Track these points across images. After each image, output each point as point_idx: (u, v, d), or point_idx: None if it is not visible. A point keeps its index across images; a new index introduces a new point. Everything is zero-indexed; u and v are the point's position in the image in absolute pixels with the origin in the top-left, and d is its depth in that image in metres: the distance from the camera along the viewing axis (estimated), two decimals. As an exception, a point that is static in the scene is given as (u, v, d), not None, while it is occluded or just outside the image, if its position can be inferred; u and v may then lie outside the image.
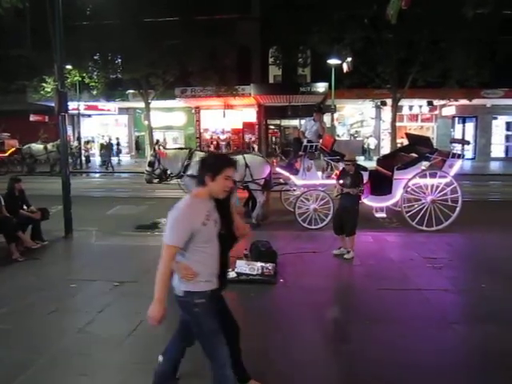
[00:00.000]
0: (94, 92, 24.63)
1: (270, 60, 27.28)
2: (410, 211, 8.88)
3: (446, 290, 5.56)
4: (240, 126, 30.02)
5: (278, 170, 10.54)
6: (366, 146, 28.44)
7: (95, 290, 5.63)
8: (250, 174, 9.28)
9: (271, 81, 29.12)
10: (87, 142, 28.56)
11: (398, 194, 8.95)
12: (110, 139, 27.00)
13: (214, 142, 29.42)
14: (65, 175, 8.92)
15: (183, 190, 9.62)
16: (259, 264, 5.98)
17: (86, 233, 8.83)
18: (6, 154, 23.40)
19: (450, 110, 27.23)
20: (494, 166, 25.66)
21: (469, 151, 26.95)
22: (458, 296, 5.42)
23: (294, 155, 10.07)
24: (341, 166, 8.35)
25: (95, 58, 23.86)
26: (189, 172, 9.07)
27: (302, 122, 12.13)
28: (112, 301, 5.21)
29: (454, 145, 11.89)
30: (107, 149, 25.39)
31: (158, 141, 24.48)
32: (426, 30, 18.38)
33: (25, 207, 7.82)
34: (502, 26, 18.58)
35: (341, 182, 7.03)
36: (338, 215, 7.20)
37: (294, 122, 29.04)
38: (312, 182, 9.47)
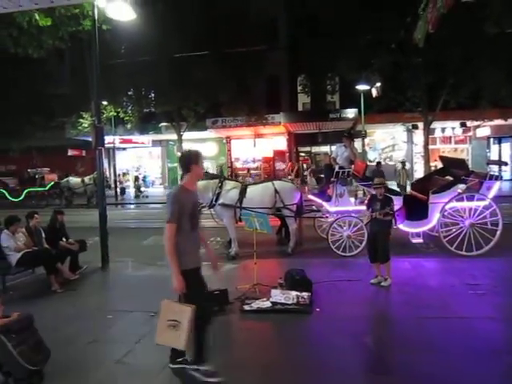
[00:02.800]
0: (129, 126, 25.43)
1: (299, 88, 27.53)
2: (447, 236, 8.63)
3: (491, 317, 5.32)
4: (271, 155, 30.22)
5: (311, 196, 10.50)
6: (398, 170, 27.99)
7: (132, 321, 5.69)
8: (280, 199, 9.29)
9: (300, 108, 29.35)
10: (124, 174, 29.40)
11: (434, 218, 8.74)
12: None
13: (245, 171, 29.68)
14: (101, 207, 9.16)
15: (214, 219, 9.72)
16: (294, 293, 5.91)
17: (122, 263, 8.98)
18: (47, 188, 24.22)
19: (484, 130, 26.61)
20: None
21: (507, 172, 26.14)
22: (504, 324, 5.18)
23: (326, 182, 10.04)
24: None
25: (129, 93, 24.73)
26: (220, 201, 9.17)
27: (333, 148, 12.13)
28: (148, 331, 5.22)
29: (490, 166, 11.59)
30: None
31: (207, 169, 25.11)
32: (453, 50, 18.23)
33: (63, 239, 8.05)
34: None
35: (370, 209, 6.96)
36: (370, 242, 7.09)
37: (325, 149, 29.02)
38: (345, 209, 9.38)
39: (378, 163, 19.15)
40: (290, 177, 12.45)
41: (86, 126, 22.74)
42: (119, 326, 5.59)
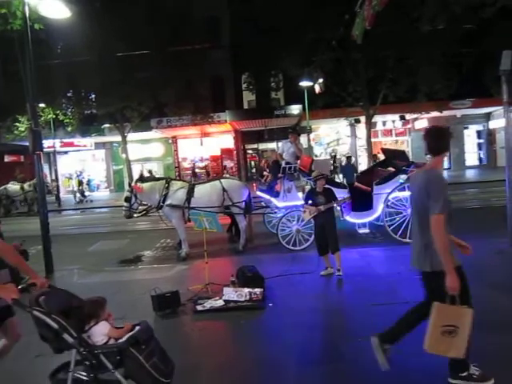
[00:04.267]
0: (69, 128, 24.48)
1: (243, 86, 27.65)
2: (392, 225, 8.96)
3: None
4: (218, 153, 30.15)
5: (259, 193, 10.56)
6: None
7: (80, 330, 5.47)
8: (228, 197, 9.28)
9: (246, 106, 29.48)
10: (67, 179, 28.51)
11: (379, 208, 9.04)
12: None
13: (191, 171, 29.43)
14: (43, 214, 8.76)
15: (163, 220, 9.57)
16: (247, 290, 5.92)
17: (67, 272, 8.63)
18: (-18, 197, 22.84)
19: (422, 122, 27.84)
20: (470, 174, 26.23)
21: (445, 162, 27.46)
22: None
23: (274, 178, 10.13)
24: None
25: (68, 94, 23.81)
26: (168, 202, 9.04)
27: (280, 144, 12.26)
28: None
29: (429, 156, 12.13)
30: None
31: (150, 171, 24.61)
32: (391, 47, 18.95)
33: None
34: (464, 39, 19.28)
35: (309, 202, 7.04)
36: (318, 235, 7.14)
37: (272, 145, 29.30)
38: (293, 203, 9.51)
39: (349, 157, 19.06)
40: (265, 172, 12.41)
41: (23, 130, 21.65)
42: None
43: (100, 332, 3.30)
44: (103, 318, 3.39)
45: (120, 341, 3.23)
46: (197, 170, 28.57)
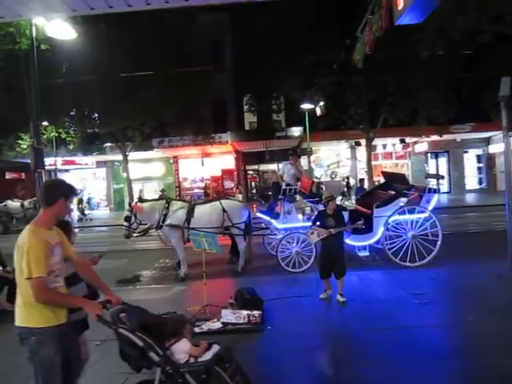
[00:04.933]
0: (71, 147, 24.59)
1: (245, 107, 27.93)
2: (392, 248, 8.92)
3: (436, 325, 5.52)
4: (219, 173, 30.23)
5: (259, 214, 10.55)
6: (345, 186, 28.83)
7: (76, 351, 5.39)
8: (228, 218, 9.27)
9: (247, 127, 29.73)
10: None
11: (379, 231, 9.01)
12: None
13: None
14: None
15: (162, 240, 9.54)
16: (245, 312, 5.87)
17: (65, 291, 8.55)
18: (-18, 213, 22.80)
19: (422, 146, 28.04)
20: (469, 198, 26.22)
21: (444, 185, 27.55)
22: (447, 331, 5.39)
23: (274, 199, 10.13)
24: (320, 207, 8.34)
25: (71, 113, 23.99)
26: (167, 222, 9.03)
27: (280, 166, 12.31)
28: (95, 361, 4.98)
29: (429, 180, 12.17)
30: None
31: (163, 190, 24.72)
32: (391, 71, 19.19)
33: (0, 267, 7.57)
34: (463, 65, 19.55)
35: (317, 223, 6.93)
36: (324, 258, 6.94)
37: (273, 167, 29.42)
38: (293, 225, 9.48)
39: (361, 180, 19.07)
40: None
41: (25, 147, 21.75)
42: (62, 357, 5.27)
43: (182, 350, 3.23)
44: (184, 336, 3.33)
45: (204, 359, 3.15)
46: (196, 190, 28.63)
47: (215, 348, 3.29)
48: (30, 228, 3.09)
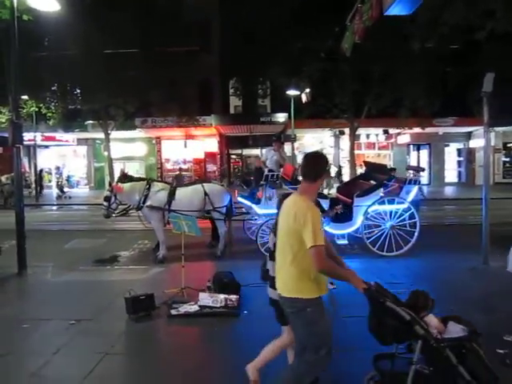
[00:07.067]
0: (51, 122, 24.06)
1: (231, 91, 27.69)
2: (370, 237, 9.04)
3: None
4: (202, 156, 30.04)
5: (240, 199, 10.53)
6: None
7: (50, 330, 5.36)
8: (210, 202, 9.24)
9: (232, 111, 29.49)
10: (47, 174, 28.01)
11: (358, 220, 9.10)
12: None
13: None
14: (19, 208, 8.59)
15: (142, 221, 9.47)
16: (222, 296, 5.89)
17: (41, 269, 8.46)
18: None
19: (404, 138, 28.31)
20: (448, 191, 26.69)
21: (424, 177, 27.93)
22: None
23: (256, 184, 10.12)
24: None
25: (53, 88, 23.43)
26: (148, 203, 8.95)
27: (264, 151, 12.27)
28: (68, 341, 4.96)
29: (410, 171, 12.31)
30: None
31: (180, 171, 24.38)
32: (378, 62, 19.21)
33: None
34: (451, 58, 19.65)
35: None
36: None
37: (256, 152, 29.34)
38: (274, 211, 9.48)
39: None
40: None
41: (4, 121, 21.20)
42: (36, 336, 5.23)
43: (433, 324, 3.25)
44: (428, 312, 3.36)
45: (462, 334, 3.17)
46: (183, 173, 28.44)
47: (452, 325, 3.31)
48: (302, 198, 3.19)
